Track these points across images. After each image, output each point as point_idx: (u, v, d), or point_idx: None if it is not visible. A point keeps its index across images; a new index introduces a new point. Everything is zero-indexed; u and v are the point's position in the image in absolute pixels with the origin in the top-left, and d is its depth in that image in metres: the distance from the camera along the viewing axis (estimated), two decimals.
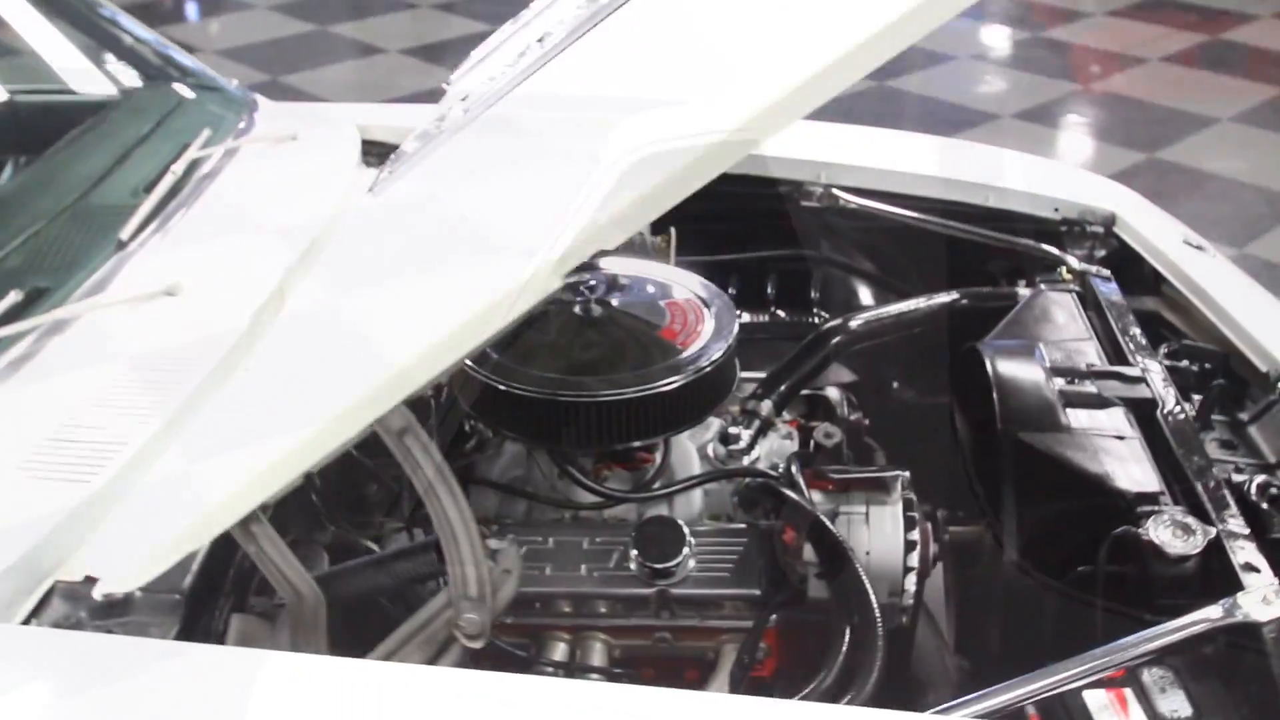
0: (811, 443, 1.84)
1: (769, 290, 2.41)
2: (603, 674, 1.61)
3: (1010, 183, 2.31)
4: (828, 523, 1.55)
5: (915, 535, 1.63)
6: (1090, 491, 1.51)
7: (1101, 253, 2.17)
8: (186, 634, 1.27)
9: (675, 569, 1.57)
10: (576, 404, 1.60)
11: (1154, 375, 1.69)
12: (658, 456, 1.75)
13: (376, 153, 2.06)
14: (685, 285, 1.85)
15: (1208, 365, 1.82)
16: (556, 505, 1.71)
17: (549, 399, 1.60)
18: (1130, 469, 1.52)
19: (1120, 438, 1.58)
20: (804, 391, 1.96)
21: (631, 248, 2.16)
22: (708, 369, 1.65)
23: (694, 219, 2.39)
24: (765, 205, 2.40)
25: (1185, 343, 1.88)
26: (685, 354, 1.68)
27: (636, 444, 1.69)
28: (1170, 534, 1.39)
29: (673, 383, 1.62)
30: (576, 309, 1.74)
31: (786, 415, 1.91)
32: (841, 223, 2.37)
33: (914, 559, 1.61)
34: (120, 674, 1.16)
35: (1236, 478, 1.57)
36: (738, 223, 2.46)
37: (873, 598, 1.46)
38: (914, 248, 2.32)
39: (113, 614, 1.27)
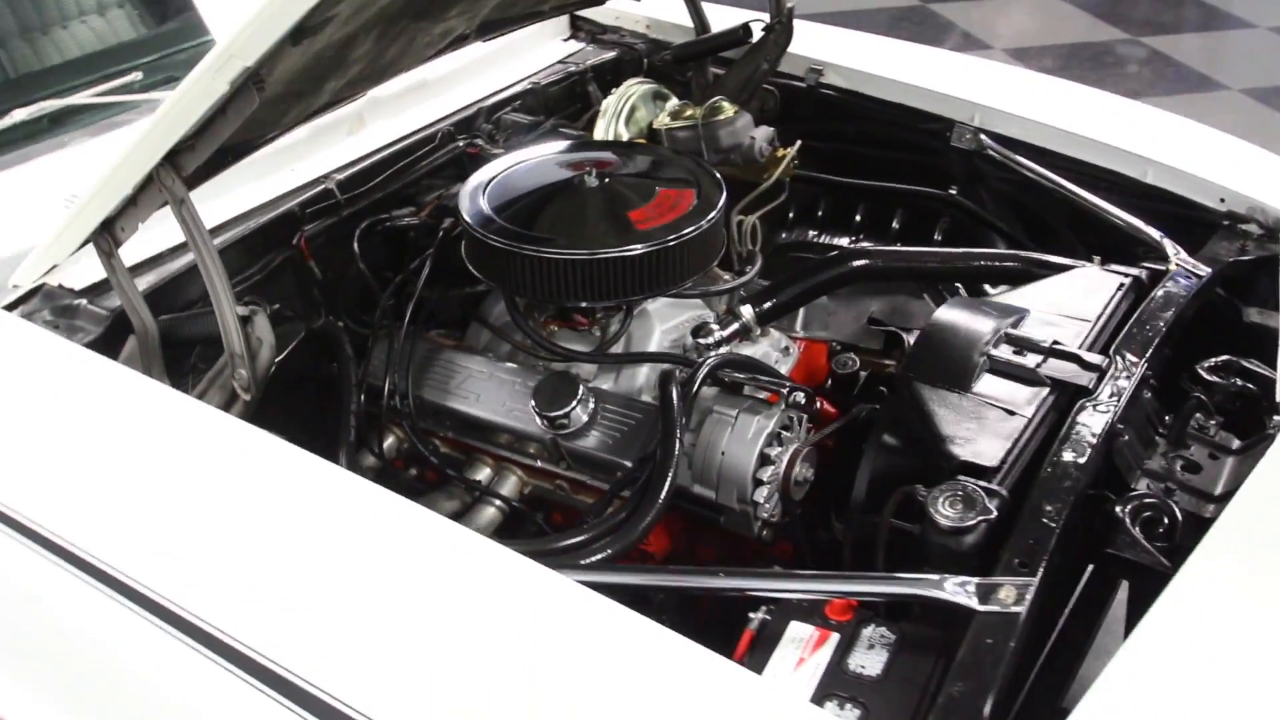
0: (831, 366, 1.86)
1: (894, 224, 2.34)
2: (506, 503, 1.77)
3: (1178, 161, 2.08)
4: (674, 410, 1.59)
5: (775, 451, 1.61)
6: (928, 450, 1.44)
7: (1249, 255, 1.93)
8: (101, 343, 1.59)
9: (562, 420, 1.67)
10: (533, 258, 1.71)
11: (1124, 373, 1.53)
12: (614, 324, 1.83)
13: None
14: (691, 179, 1.89)
15: (1250, 385, 1.61)
16: (523, 350, 1.85)
17: (511, 250, 1.72)
18: (983, 442, 1.42)
19: (1010, 412, 1.46)
20: (889, 328, 1.95)
21: (741, 150, 2.20)
22: (639, 252, 1.69)
23: (839, 138, 2.39)
24: (913, 138, 2.33)
25: (1244, 361, 1.66)
26: (642, 231, 1.74)
27: (581, 304, 1.78)
28: (948, 504, 1.30)
29: (616, 252, 1.69)
30: (575, 180, 1.85)
31: (801, 334, 1.91)
32: (986, 169, 2.25)
33: (766, 473, 1.61)
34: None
35: (1147, 491, 1.42)
36: (882, 149, 2.40)
37: (669, 476, 1.52)
38: (1050, 208, 2.16)
39: (63, 315, 1.62)
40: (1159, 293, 1.73)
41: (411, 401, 1.83)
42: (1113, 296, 1.71)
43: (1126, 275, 1.78)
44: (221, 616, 1.21)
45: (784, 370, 1.89)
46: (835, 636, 1.26)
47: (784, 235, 2.46)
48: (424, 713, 1.11)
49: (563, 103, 2.39)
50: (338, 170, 1.97)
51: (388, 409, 1.82)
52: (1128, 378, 1.52)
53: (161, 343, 1.60)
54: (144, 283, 1.68)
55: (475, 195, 1.82)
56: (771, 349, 1.90)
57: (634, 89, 2.33)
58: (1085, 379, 1.51)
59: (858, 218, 2.38)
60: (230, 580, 1.26)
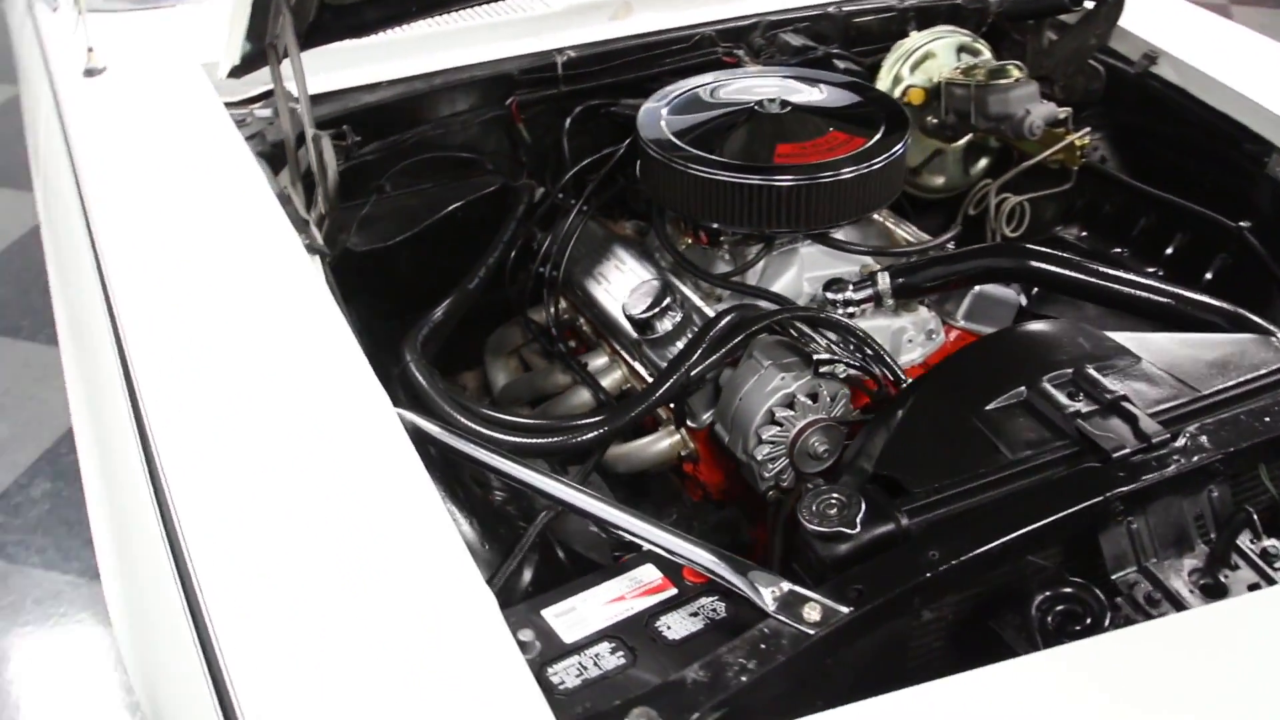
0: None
1: (1169, 248, 2.04)
2: (599, 393, 1.86)
3: None
4: (710, 331, 1.61)
5: (785, 414, 1.54)
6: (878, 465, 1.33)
7: None
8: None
9: (644, 324, 1.71)
10: (674, 170, 1.74)
11: (1184, 456, 1.29)
12: (750, 254, 1.82)
13: None
14: (877, 123, 1.81)
15: None
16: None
17: (658, 158, 1.76)
18: (932, 468, 1.28)
19: (996, 449, 1.30)
20: None
21: (1011, 122, 2.03)
22: (768, 182, 1.68)
23: (1148, 136, 2.11)
24: (1223, 153, 2.00)
25: None
26: (789, 165, 1.70)
27: (713, 225, 1.79)
28: (821, 507, 1.21)
29: (745, 178, 1.68)
30: (755, 105, 1.83)
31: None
32: None
33: (770, 433, 1.55)
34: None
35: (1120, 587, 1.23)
36: (1181, 155, 2.08)
37: (667, 385, 1.58)
38: None
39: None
40: None
41: (560, 273, 1.95)
42: (1256, 378, 1.43)
43: None
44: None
45: (918, 354, 1.78)
46: (671, 593, 1.24)
47: (1059, 229, 2.24)
48: None
49: (865, 37, 2.29)
50: (573, 48, 2.07)
51: (535, 274, 1.96)
52: (1183, 462, 1.29)
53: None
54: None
55: (659, 102, 1.87)
56: (913, 327, 1.79)
57: (939, 36, 2.21)
58: (1122, 445, 1.30)
59: (1135, 230, 2.11)
60: None
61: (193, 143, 1.80)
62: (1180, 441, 1.30)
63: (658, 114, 1.84)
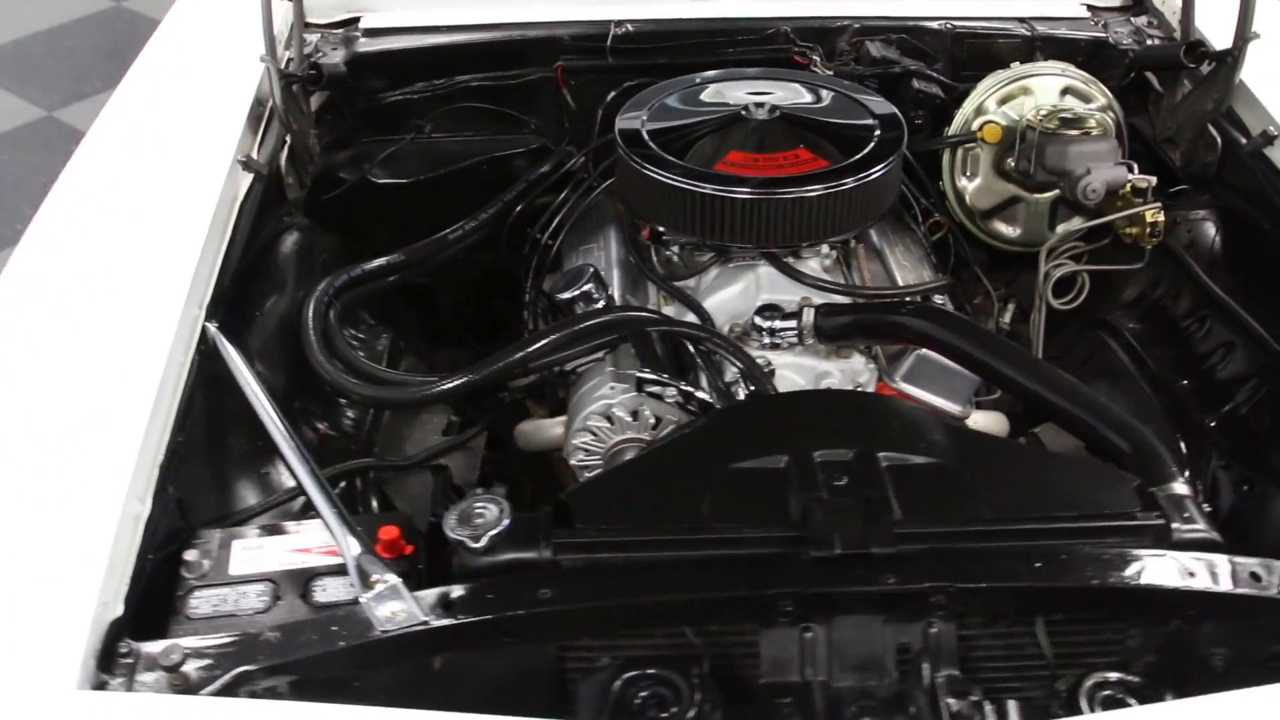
0: None
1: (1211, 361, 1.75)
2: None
3: None
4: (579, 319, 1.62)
5: (600, 425, 1.53)
6: None
7: None
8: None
9: (564, 305, 1.68)
10: (631, 167, 1.72)
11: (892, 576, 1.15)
12: (701, 261, 1.77)
13: None
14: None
15: None
16: None
17: (623, 155, 1.75)
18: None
19: None
20: None
21: (1068, 180, 1.82)
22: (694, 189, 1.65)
23: (1249, 224, 1.82)
24: None
25: None
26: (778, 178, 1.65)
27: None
28: (468, 512, 1.18)
29: (690, 184, 1.66)
30: (742, 109, 1.76)
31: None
32: None
33: (582, 439, 1.55)
34: None
35: None
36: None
37: (502, 363, 1.58)
38: None
39: None
40: None
41: (556, 243, 1.97)
42: (1071, 518, 1.23)
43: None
44: None
45: None
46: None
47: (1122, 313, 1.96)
48: None
49: (978, 60, 2.09)
50: (633, 21, 2.04)
51: (532, 239, 1.98)
52: (893, 584, 1.15)
53: None
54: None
55: (644, 99, 1.84)
56: (840, 374, 1.68)
57: (1042, 72, 1.99)
58: (831, 545, 1.17)
59: (1195, 330, 1.82)
60: None
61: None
62: (906, 562, 1.16)
63: (643, 105, 1.82)
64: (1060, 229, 1.94)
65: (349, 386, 1.56)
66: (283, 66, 1.83)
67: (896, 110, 1.80)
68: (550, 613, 1.12)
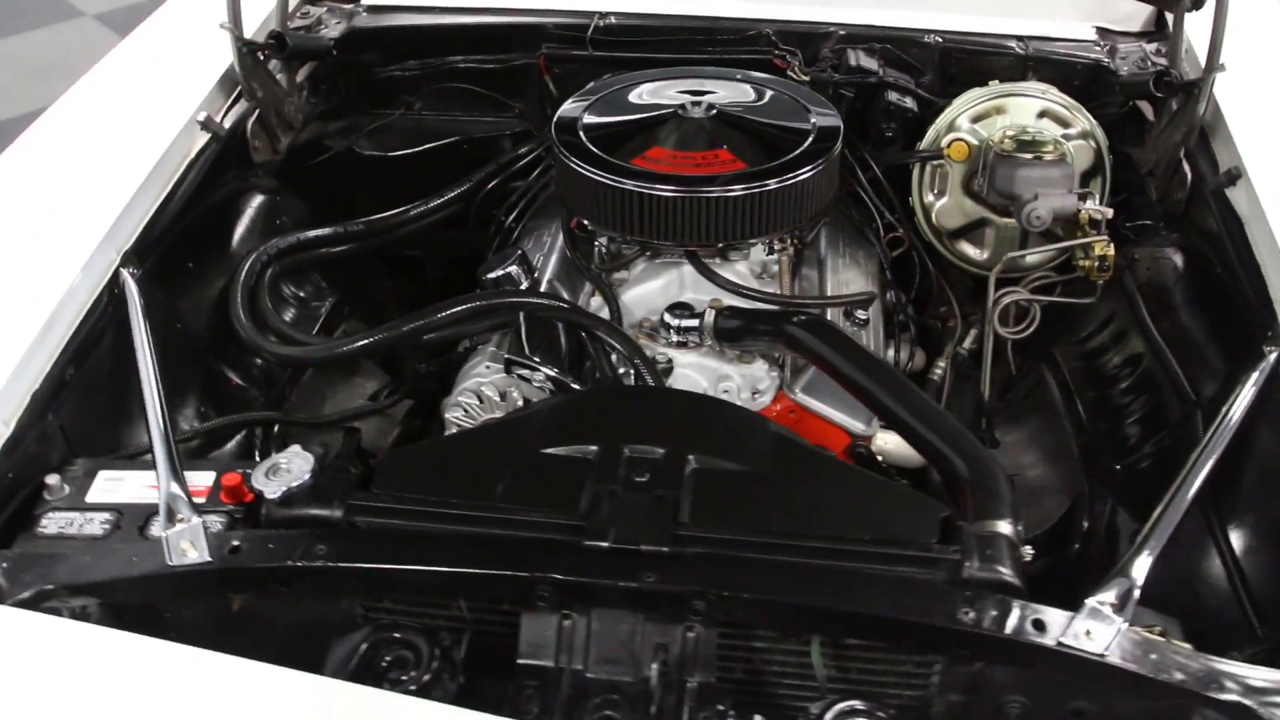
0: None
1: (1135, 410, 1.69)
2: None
3: None
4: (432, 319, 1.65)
5: (468, 403, 1.60)
6: None
7: None
8: None
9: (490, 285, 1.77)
10: (560, 160, 1.77)
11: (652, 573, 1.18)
12: (624, 252, 1.81)
13: None
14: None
15: None
16: None
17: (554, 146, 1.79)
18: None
19: None
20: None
21: (1016, 203, 1.79)
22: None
23: (1208, 265, 1.76)
24: (1230, 320, 1.62)
25: None
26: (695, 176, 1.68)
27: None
28: (274, 468, 1.26)
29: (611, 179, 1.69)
30: (680, 107, 1.77)
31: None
32: None
33: (454, 414, 1.63)
34: None
35: None
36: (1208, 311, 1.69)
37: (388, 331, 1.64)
38: None
39: None
40: None
41: (519, 225, 2.03)
42: (871, 541, 1.23)
43: None
44: None
45: None
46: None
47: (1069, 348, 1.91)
48: None
49: (967, 76, 2.04)
50: (616, 13, 2.07)
51: (498, 221, 2.05)
52: (652, 581, 1.18)
53: None
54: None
55: (596, 89, 1.88)
56: (740, 378, 1.70)
57: (1020, 93, 1.95)
58: (603, 537, 1.21)
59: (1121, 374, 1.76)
60: None
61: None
62: (673, 563, 1.19)
63: (592, 94, 1.86)
64: (1006, 256, 1.89)
65: (259, 343, 1.66)
66: (268, 37, 1.95)
67: (839, 120, 1.80)
68: (321, 568, 1.19)
